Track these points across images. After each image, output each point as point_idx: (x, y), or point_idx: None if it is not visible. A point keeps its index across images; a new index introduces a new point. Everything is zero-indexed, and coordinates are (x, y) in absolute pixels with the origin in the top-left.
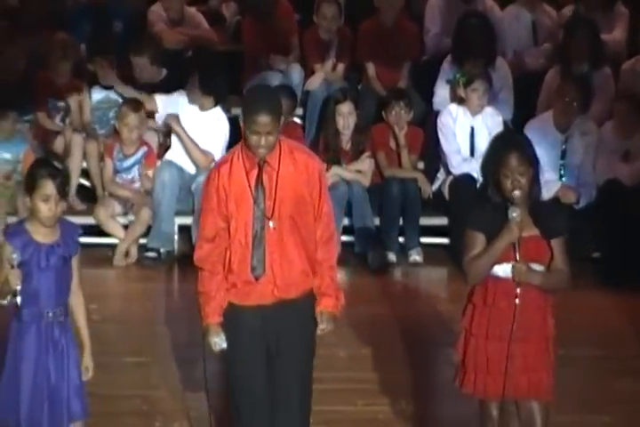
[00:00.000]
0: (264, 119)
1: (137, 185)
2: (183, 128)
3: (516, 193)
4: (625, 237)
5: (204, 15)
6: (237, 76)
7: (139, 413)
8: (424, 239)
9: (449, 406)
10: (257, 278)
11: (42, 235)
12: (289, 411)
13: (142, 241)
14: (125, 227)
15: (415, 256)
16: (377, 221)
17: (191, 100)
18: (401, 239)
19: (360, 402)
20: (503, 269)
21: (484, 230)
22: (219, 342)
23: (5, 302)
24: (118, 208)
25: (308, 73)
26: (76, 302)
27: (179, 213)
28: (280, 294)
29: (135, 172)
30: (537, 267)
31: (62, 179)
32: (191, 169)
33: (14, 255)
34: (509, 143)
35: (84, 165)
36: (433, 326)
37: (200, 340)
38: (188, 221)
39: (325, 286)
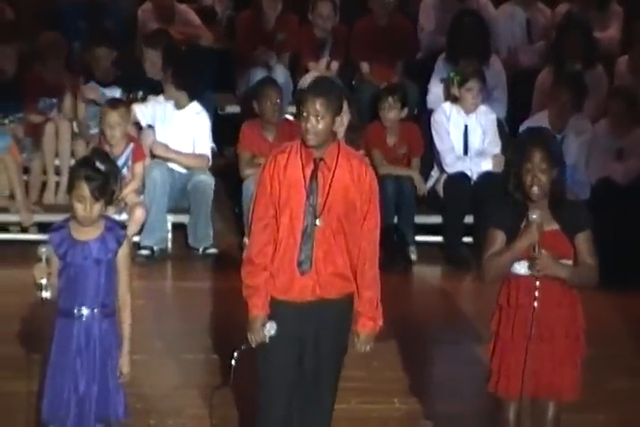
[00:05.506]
0: (315, 101)
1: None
2: (171, 150)
3: (535, 189)
4: (618, 235)
5: (196, 12)
6: (231, 74)
7: (133, 411)
8: (419, 237)
9: (443, 404)
10: (302, 273)
11: (81, 232)
12: (320, 407)
13: (136, 239)
14: None
15: (410, 254)
16: None
17: (167, 96)
18: (395, 237)
19: (354, 400)
20: (523, 266)
21: (503, 228)
22: (269, 328)
23: (43, 295)
24: (111, 208)
25: (302, 71)
26: (122, 301)
27: (173, 212)
28: (321, 292)
29: (126, 170)
30: (562, 262)
31: (101, 181)
32: (182, 168)
33: (43, 249)
34: (536, 139)
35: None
36: (427, 324)
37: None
38: (182, 219)
39: (364, 306)
